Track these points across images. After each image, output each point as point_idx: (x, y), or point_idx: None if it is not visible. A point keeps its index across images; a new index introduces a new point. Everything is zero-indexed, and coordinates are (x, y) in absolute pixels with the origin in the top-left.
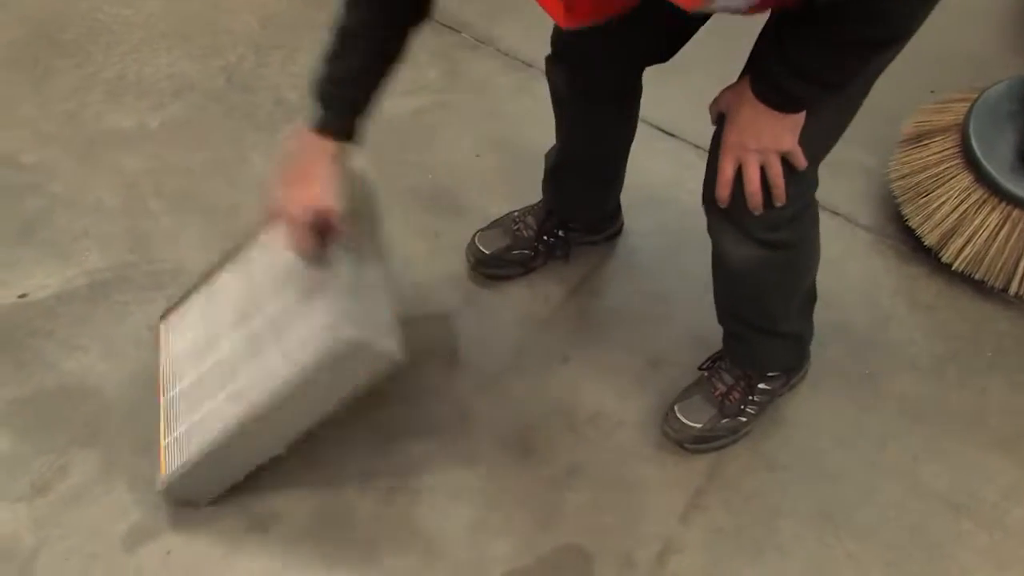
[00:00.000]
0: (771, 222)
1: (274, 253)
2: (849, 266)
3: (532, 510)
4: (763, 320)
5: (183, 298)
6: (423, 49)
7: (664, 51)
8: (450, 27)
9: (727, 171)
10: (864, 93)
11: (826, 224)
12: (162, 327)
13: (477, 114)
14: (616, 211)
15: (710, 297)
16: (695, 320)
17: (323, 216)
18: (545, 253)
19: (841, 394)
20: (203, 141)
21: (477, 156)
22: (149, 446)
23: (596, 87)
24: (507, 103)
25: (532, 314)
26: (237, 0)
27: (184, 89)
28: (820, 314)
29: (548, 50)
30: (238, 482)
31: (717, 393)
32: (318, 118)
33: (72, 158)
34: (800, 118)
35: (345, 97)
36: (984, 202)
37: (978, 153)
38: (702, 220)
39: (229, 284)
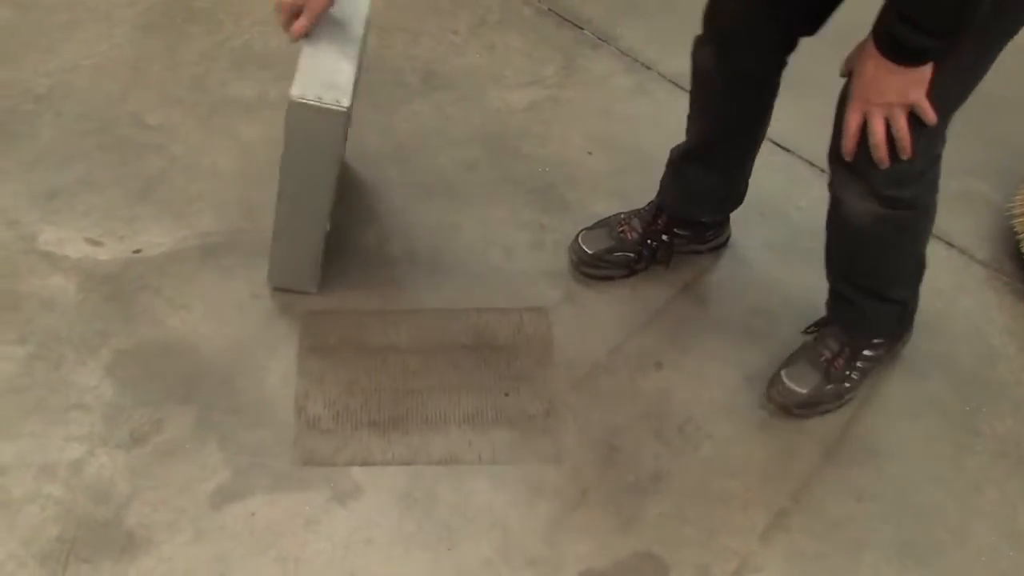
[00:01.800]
0: (897, 178)
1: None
2: (960, 299)
3: (613, 513)
4: (874, 282)
5: None
6: (542, 43)
7: (812, 23)
8: (571, 22)
9: (852, 124)
10: (994, 46)
11: (940, 255)
12: None
13: (591, 112)
14: (725, 222)
15: (812, 315)
16: (796, 338)
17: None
18: (648, 257)
19: (939, 429)
20: None
21: (589, 154)
22: (241, 408)
23: (741, 68)
24: (623, 104)
25: (630, 316)
26: None
27: None
28: (924, 344)
29: (670, 53)
30: (318, 259)
31: (822, 359)
32: None
33: (194, 122)
34: (925, 72)
35: None
36: None
37: None
38: (811, 238)
39: None
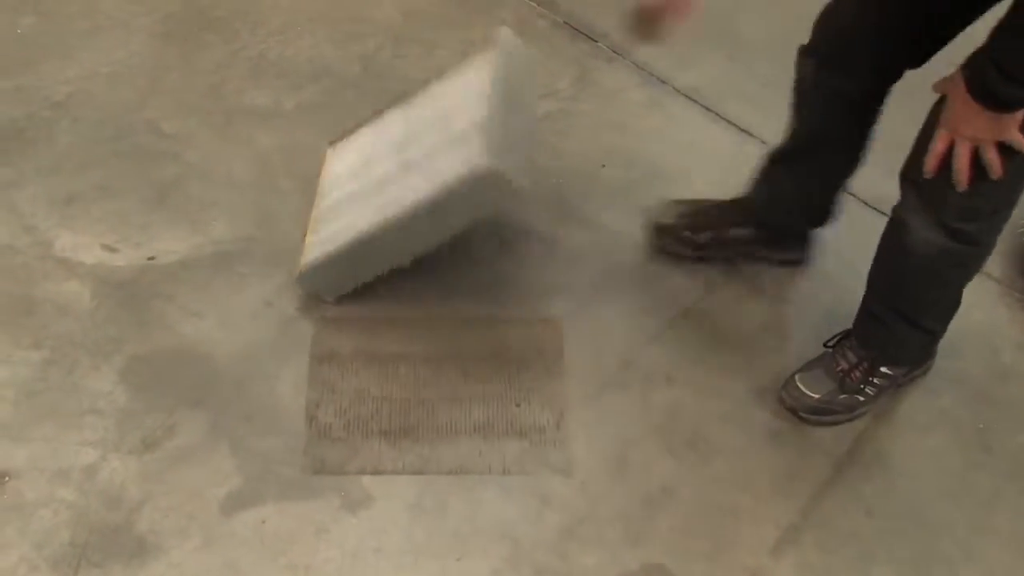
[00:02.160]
0: (968, 213)
1: (440, 97)
2: (973, 316)
3: (622, 525)
4: (911, 309)
5: (351, 130)
6: (557, 55)
7: (919, 57)
8: (586, 35)
9: (940, 146)
10: None
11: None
12: (329, 150)
13: (605, 125)
14: (803, 238)
15: (822, 334)
16: (806, 355)
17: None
18: (719, 247)
19: (950, 445)
20: (335, 125)
21: (603, 167)
22: (253, 416)
23: (839, 88)
24: (637, 118)
25: (642, 329)
26: None
27: (322, 73)
28: (938, 360)
29: (685, 67)
30: (362, 283)
31: (839, 369)
32: None
33: (210, 130)
34: (1016, 117)
35: None
36: None
37: None
38: (824, 255)
39: (394, 119)
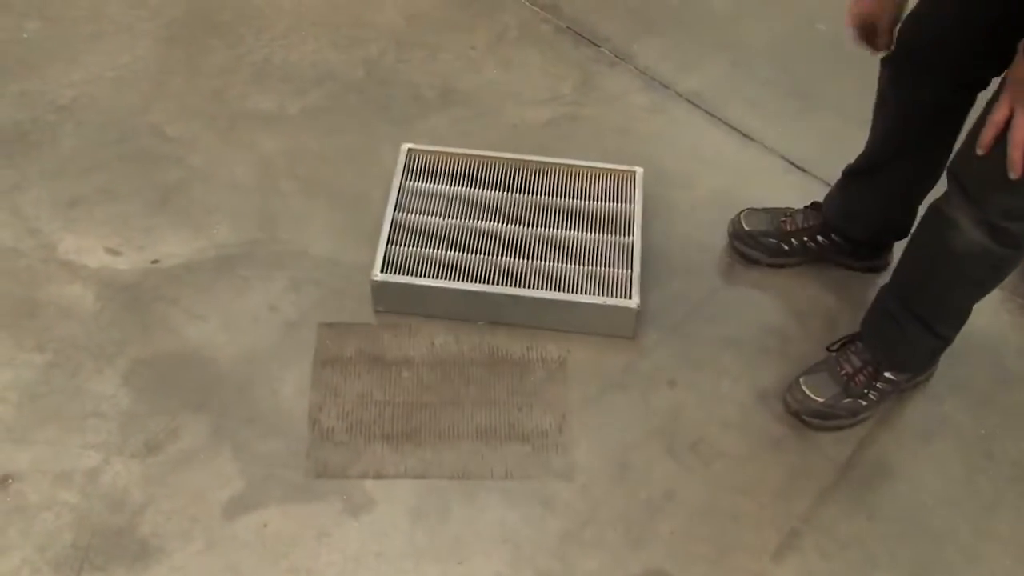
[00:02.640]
0: (1013, 212)
1: (561, 190)
2: (977, 322)
3: (624, 530)
4: (931, 311)
5: (440, 151)
6: (560, 60)
7: (1003, 63)
8: (589, 40)
9: (999, 116)
10: None
11: None
12: (409, 156)
13: (608, 130)
14: (886, 247)
15: (825, 338)
16: (809, 358)
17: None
18: (800, 253)
19: (953, 451)
20: (338, 129)
21: None
22: (255, 419)
23: (917, 96)
24: (640, 122)
25: (643, 333)
26: None
27: (325, 77)
28: (940, 366)
29: (687, 72)
30: (422, 313)
31: (843, 373)
32: None
33: (213, 134)
34: None
35: None
36: None
37: None
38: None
39: (501, 179)
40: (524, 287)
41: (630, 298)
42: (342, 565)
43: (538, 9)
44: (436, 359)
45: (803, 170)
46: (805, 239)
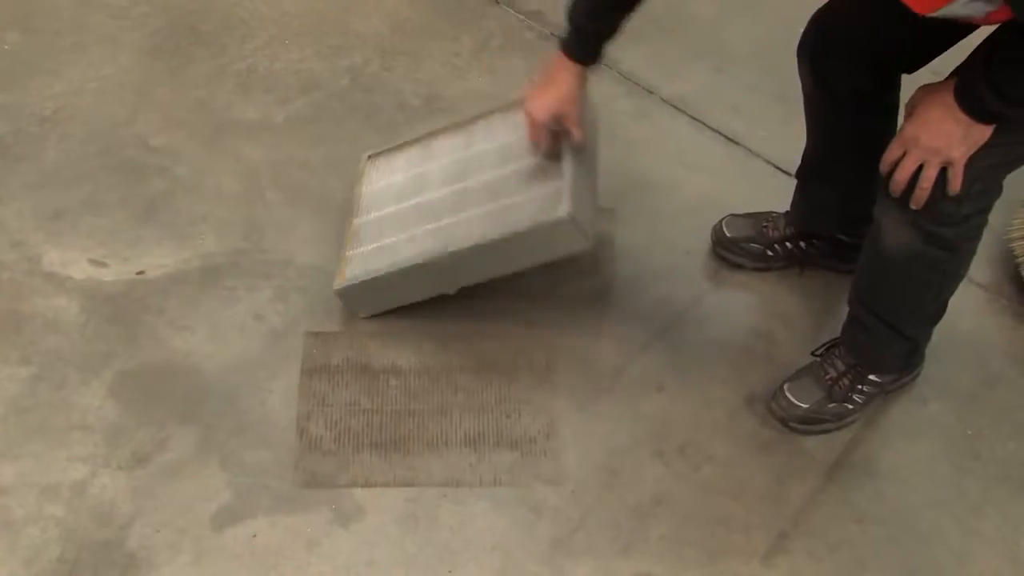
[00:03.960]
0: (942, 218)
1: (500, 131)
2: (960, 322)
3: (613, 535)
4: (893, 315)
5: (395, 148)
6: (512, 44)
7: (911, 58)
8: (528, 20)
9: (893, 154)
10: None
11: None
12: (368, 163)
13: None
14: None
15: (811, 341)
16: (796, 361)
17: (560, 118)
18: (784, 258)
19: (940, 452)
20: (323, 138)
21: None
22: (243, 429)
23: (836, 91)
24: (624, 128)
25: (631, 339)
26: (369, 4)
27: (310, 86)
28: (925, 367)
29: (671, 78)
30: (399, 305)
31: (827, 377)
32: (569, 43)
33: (198, 144)
34: (984, 135)
35: (592, 28)
36: None
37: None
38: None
39: (447, 146)
40: (467, 240)
41: (560, 206)
42: (332, 575)
43: (522, 16)
44: (423, 366)
45: (788, 173)
46: (788, 245)
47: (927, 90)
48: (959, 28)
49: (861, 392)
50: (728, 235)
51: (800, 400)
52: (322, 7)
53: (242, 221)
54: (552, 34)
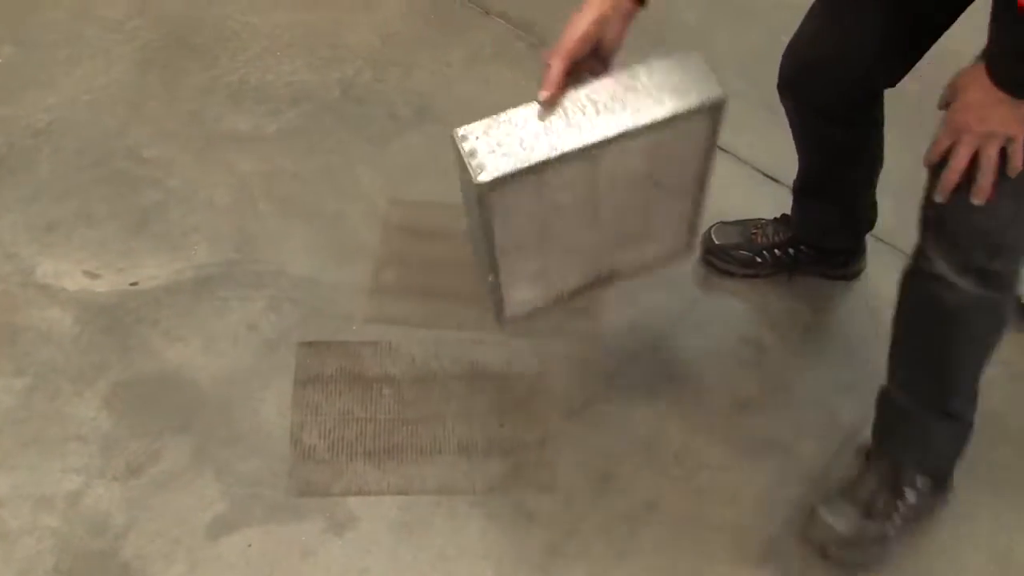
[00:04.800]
0: (990, 247)
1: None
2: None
3: (607, 542)
4: (940, 391)
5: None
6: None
7: (888, 74)
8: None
9: (941, 145)
10: None
11: (898, 265)
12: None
13: None
14: (857, 250)
15: (801, 348)
16: (785, 368)
17: (592, 41)
18: (772, 264)
19: None
20: (315, 149)
21: None
22: (237, 439)
23: (820, 112)
24: None
25: (623, 346)
26: (359, 16)
27: (301, 98)
28: None
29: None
30: (557, 298)
31: (861, 496)
32: None
33: (190, 156)
34: None
35: None
36: None
37: None
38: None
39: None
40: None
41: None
42: None
43: (512, 26)
44: (416, 375)
45: (776, 180)
46: (777, 252)
47: (964, 74)
48: (931, 34)
49: (899, 512)
50: (717, 242)
51: (837, 523)
52: (313, 19)
53: (234, 232)
54: (542, 44)
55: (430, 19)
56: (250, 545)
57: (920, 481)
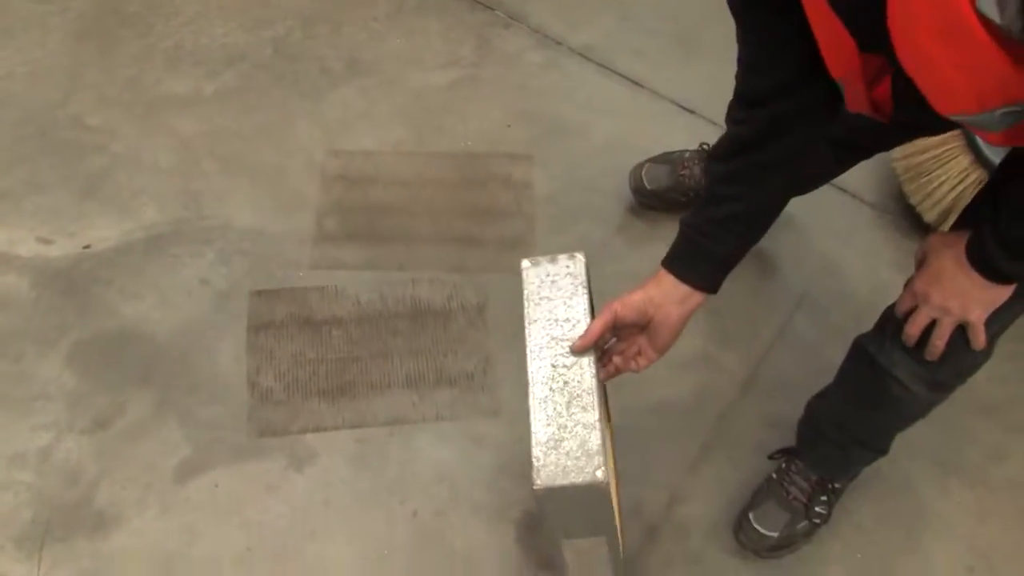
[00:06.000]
0: (963, 370)
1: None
2: (854, 239)
3: None
4: (872, 437)
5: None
6: (458, 25)
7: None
8: (483, 4)
9: (904, 304)
10: None
11: (834, 200)
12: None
13: (507, 88)
14: None
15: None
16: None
17: (642, 314)
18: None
19: (842, 354)
20: (252, 107)
21: (508, 126)
22: (197, 388)
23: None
24: (536, 78)
25: None
26: None
27: (236, 58)
28: (826, 282)
29: (577, 28)
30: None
31: (791, 498)
32: (687, 268)
33: (132, 121)
34: (1003, 294)
35: (707, 244)
36: (981, 182)
37: (976, 135)
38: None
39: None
40: None
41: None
42: (291, 516)
43: None
44: (362, 315)
45: (692, 112)
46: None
47: (940, 239)
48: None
49: (826, 503)
50: (648, 188)
51: (769, 529)
52: None
53: (181, 191)
54: None
55: None
56: (217, 485)
57: (844, 480)
